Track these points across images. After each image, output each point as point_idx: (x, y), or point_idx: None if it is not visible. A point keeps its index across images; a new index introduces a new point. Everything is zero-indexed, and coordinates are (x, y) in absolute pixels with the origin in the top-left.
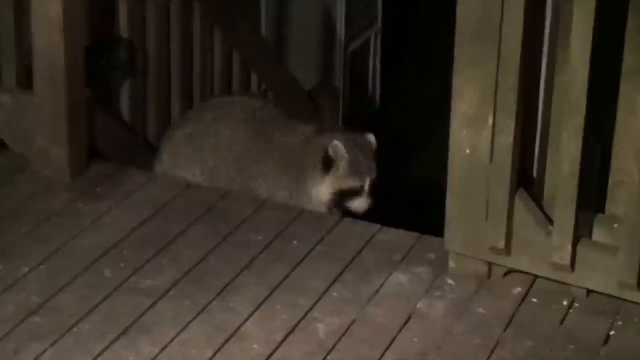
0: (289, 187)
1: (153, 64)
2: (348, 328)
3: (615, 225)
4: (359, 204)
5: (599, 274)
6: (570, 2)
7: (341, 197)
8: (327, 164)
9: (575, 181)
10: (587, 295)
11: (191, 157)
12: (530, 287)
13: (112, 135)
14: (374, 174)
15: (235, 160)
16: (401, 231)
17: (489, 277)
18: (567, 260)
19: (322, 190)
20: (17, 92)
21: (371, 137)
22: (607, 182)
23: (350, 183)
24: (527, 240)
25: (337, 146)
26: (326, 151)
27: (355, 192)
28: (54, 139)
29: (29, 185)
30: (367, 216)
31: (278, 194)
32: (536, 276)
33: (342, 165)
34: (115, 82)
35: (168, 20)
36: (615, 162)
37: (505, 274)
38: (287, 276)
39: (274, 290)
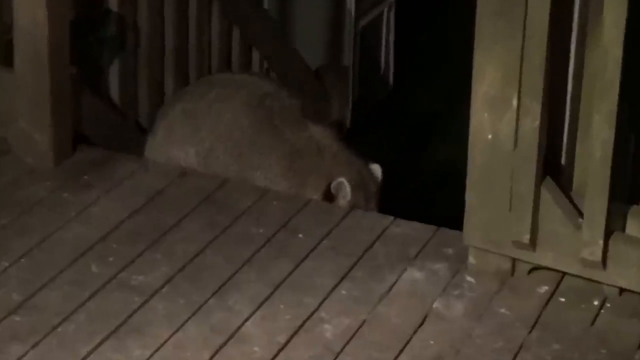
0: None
1: (145, 40)
2: (358, 329)
3: None
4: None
5: (633, 271)
6: None
7: None
8: (328, 197)
9: (607, 169)
10: (620, 294)
11: (187, 136)
12: (558, 285)
13: (101, 118)
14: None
15: (235, 147)
16: (416, 224)
17: (512, 274)
18: (598, 256)
19: None
20: None
21: (378, 171)
22: None
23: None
24: (554, 234)
25: (342, 185)
26: (329, 185)
27: None
28: (36, 122)
29: (10, 172)
30: (379, 207)
31: None
32: (564, 273)
33: (342, 203)
34: (104, 59)
35: None
36: None
37: (530, 271)
38: (291, 273)
39: (276, 287)
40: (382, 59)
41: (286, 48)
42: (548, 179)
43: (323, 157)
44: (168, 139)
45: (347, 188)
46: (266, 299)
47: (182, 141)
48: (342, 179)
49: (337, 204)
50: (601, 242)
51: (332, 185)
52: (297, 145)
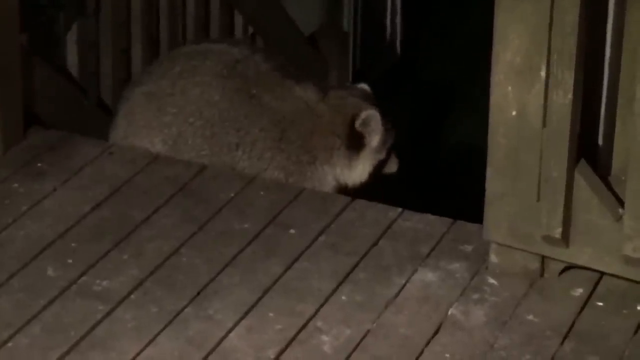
0: (285, 168)
1: (108, 2)
2: (360, 341)
3: None
4: (391, 166)
5: None
6: None
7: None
8: (358, 140)
9: None
10: None
11: (151, 123)
12: (595, 287)
13: (56, 95)
14: (394, 131)
15: (206, 127)
16: (429, 216)
17: (541, 275)
18: None
19: (358, 173)
20: None
21: (367, 88)
22: None
23: (383, 154)
24: (590, 227)
25: (370, 117)
26: (351, 126)
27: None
28: None
29: None
30: (385, 197)
31: (268, 174)
32: (602, 273)
33: (375, 138)
34: (59, 25)
35: None
36: None
37: (562, 271)
38: (282, 275)
39: (265, 293)
40: (388, 22)
41: (274, 9)
42: (583, 162)
43: (321, 114)
44: (129, 128)
45: (378, 117)
46: (253, 307)
47: (146, 130)
48: (369, 110)
49: (371, 142)
50: None
51: (357, 122)
52: (283, 109)
